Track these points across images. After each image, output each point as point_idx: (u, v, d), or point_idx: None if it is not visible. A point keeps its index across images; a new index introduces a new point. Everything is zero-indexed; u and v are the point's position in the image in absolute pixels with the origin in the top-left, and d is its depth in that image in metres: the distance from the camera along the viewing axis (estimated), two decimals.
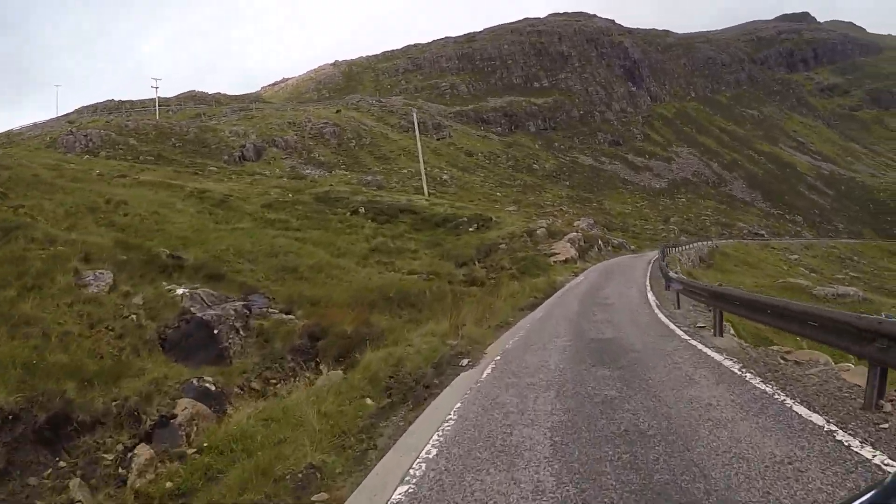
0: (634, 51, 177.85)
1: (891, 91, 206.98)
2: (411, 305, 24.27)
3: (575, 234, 49.17)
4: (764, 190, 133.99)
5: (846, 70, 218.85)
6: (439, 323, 16.31)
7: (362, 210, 46.20)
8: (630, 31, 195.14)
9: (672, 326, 15.24)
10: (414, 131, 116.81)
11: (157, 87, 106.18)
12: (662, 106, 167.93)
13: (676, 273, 23.52)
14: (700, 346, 11.90)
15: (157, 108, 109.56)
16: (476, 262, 39.20)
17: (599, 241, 56.14)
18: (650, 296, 23.41)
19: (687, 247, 56.82)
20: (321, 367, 15.47)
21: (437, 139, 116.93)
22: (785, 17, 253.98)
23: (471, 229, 46.09)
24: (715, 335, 13.32)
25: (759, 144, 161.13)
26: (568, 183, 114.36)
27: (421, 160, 67.84)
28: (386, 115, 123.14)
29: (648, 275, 32.23)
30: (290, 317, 19.30)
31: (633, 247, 68.62)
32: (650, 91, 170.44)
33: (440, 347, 13.16)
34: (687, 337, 13.28)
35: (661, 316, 17.57)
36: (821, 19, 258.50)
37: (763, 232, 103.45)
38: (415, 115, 67.65)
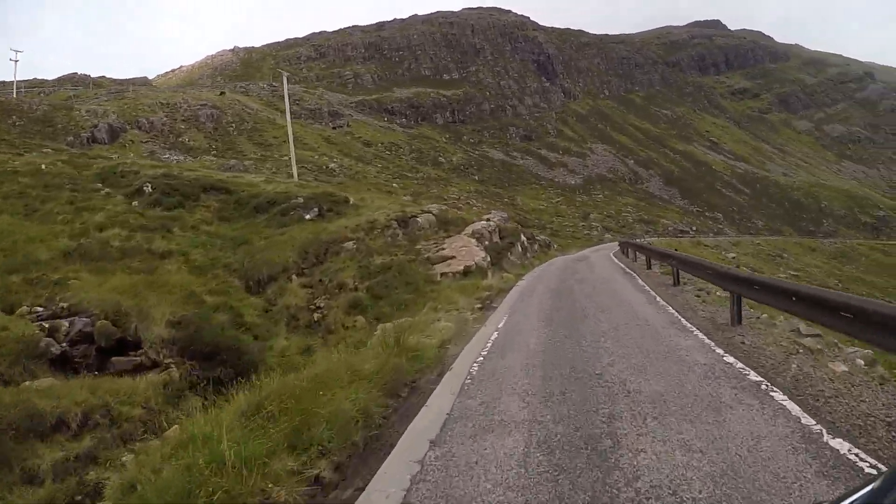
0: (549, 46, 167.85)
1: (798, 96, 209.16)
2: None
3: (485, 223, 31.06)
4: (681, 187, 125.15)
5: (756, 75, 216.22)
6: None
7: (148, 189, 31.14)
8: (545, 29, 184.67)
9: None
10: (307, 118, 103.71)
11: (16, 60, 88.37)
12: (576, 103, 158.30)
13: None
14: None
15: (14, 85, 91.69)
16: (295, 276, 23.74)
17: (523, 238, 38.15)
18: None
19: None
20: None
21: (334, 128, 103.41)
22: (697, 24, 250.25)
23: (308, 216, 30.76)
24: None
25: (673, 143, 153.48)
26: (477, 177, 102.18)
27: (290, 136, 53.31)
28: (277, 100, 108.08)
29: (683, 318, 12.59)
30: None
31: (556, 245, 55.65)
32: (564, 87, 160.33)
33: None
34: None
35: None
36: (732, 27, 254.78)
37: (688, 229, 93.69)
38: (284, 80, 52.38)
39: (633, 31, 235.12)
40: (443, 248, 26.74)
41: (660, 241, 64.70)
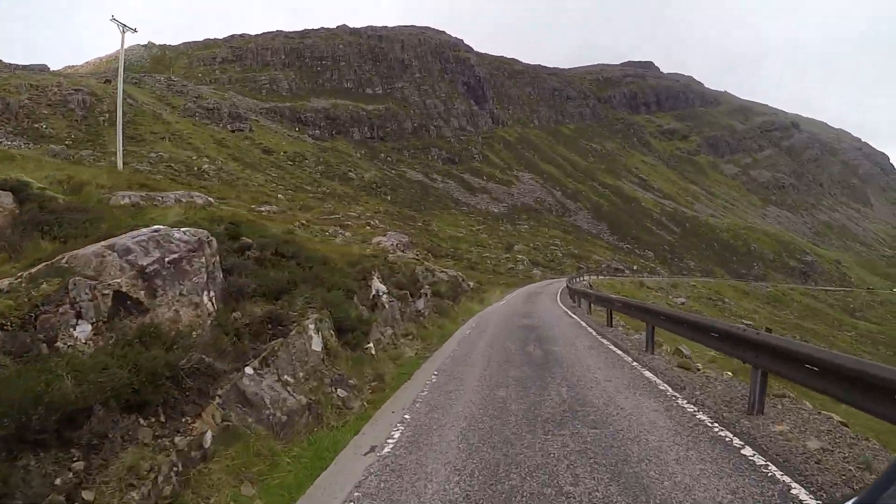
0: (481, 69, 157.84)
1: (726, 140, 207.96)
2: None
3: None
4: (610, 222, 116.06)
5: (686, 117, 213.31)
6: None
7: None
8: (479, 54, 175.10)
9: None
10: (202, 118, 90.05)
11: None
12: (504, 129, 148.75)
13: None
14: None
15: None
16: None
17: (375, 288, 14.20)
18: None
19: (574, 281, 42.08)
20: None
21: (232, 131, 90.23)
22: (631, 64, 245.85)
23: None
24: None
25: (602, 177, 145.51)
26: (390, 197, 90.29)
27: (119, 107, 38.99)
28: (172, 96, 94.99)
29: None
30: None
31: (472, 285, 38.11)
32: (493, 113, 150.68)
33: None
34: None
35: None
36: (664, 70, 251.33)
37: (623, 267, 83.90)
38: (122, 35, 38.12)
39: (567, 66, 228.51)
40: None
41: (601, 280, 53.83)
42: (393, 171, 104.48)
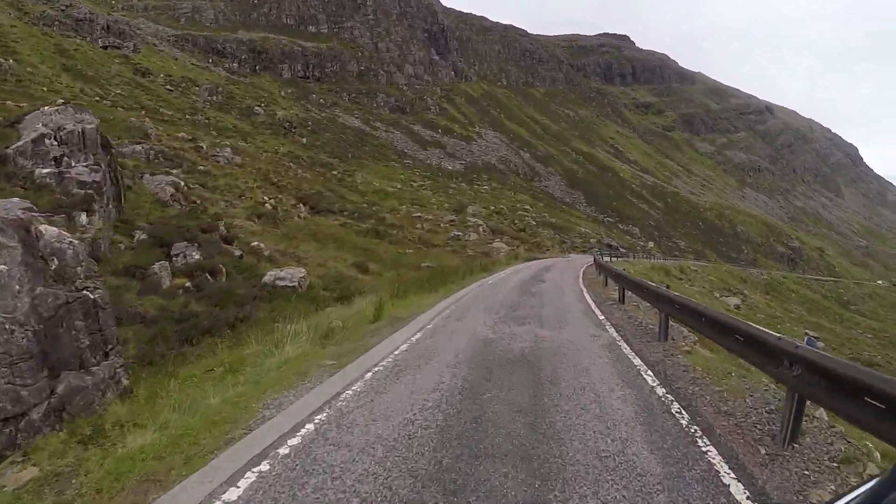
0: (446, 18, 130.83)
1: (702, 119, 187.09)
2: None
3: None
4: (586, 192, 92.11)
5: (662, 92, 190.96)
6: None
7: None
8: (445, 9, 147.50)
9: None
10: (63, 28, 63.00)
11: None
12: (468, 84, 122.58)
13: None
14: None
15: None
16: None
17: None
18: None
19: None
20: None
21: (104, 47, 63.52)
22: (606, 35, 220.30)
23: None
24: None
25: (576, 143, 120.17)
26: (305, 140, 64.34)
27: None
28: (37, 5, 67.45)
29: None
30: None
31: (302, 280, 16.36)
32: (456, 66, 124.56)
33: None
34: None
35: None
36: (639, 46, 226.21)
37: (615, 244, 60.24)
38: None
39: (541, 34, 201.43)
40: None
41: (628, 266, 29.34)
42: (323, 114, 78.66)
